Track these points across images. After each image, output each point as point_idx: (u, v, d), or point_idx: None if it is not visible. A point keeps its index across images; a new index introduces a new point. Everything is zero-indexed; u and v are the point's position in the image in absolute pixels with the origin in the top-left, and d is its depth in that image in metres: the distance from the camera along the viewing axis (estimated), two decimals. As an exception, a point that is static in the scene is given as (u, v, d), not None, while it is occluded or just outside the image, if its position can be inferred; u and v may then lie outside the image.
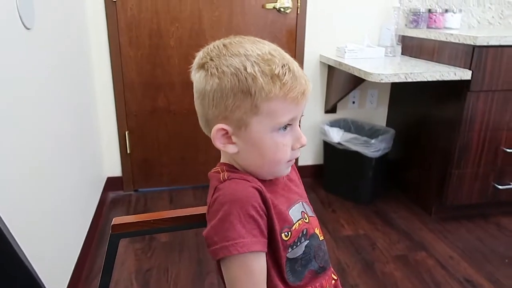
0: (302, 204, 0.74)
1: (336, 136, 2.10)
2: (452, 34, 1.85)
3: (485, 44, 1.70)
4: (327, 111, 2.37)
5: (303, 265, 0.69)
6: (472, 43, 1.72)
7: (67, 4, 1.63)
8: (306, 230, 0.70)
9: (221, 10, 2.06)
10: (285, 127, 0.64)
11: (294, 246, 0.68)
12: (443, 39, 1.90)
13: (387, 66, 1.96)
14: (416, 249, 1.77)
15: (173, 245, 1.77)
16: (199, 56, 0.66)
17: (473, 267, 1.65)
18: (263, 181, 0.68)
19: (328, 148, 2.19)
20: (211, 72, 0.62)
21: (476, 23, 2.37)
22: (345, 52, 2.07)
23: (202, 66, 0.64)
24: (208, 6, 2.04)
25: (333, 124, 2.25)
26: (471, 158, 1.89)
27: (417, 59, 2.10)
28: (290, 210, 0.70)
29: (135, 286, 1.52)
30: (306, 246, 0.69)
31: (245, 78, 0.60)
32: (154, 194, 2.25)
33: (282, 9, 2.10)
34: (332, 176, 2.26)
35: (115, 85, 2.08)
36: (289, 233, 0.67)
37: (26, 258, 0.60)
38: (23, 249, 0.59)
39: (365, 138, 2.03)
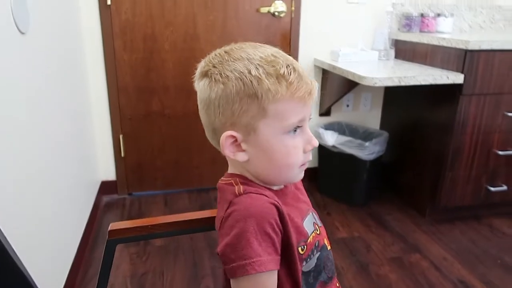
0: (312, 214, 0.73)
1: (331, 139, 2.11)
2: (444, 38, 1.87)
3: (476, 48, 1.73)
4: (321, 114, 2.38)
5: (314, 277, 0.68)
6: (464, 47, 1.74)
7: (61, 9, 1.63)
8: (318, 242, 0.70)
9: (215, 14, 2.06)
10: (294, 130, 0.62)
11: (308, 259, 0.67)
12: (435, 43, 1.93)
13: (380, 70, 1.98)
14: (411, 251, 1.78)
15: (168, 249, 1.77)
16: (201, 65, 0.66)
17: (467, 268, 1.67)
18: (274, 191, 0.67)
19: (323, 151, 2.20)
20: (215, 79, 0.61)
21: (467, 27, 2.40)
22: (339, 55, 2.08)
23: (205, 74, 0.63)
24: (202, 10, 2.05)
25: (327, 127, 2.26)
26: (464, 160, 1.91)
27: (410, 62, 2.12)
28: (304, 222, 0.68)
29: (130, 290, 1.52)
30: (317, 258, 0.69)
31: (250, 81, 0.59)
32: (149, 198, 2.25)
33: (276, 13, 2.11)
34: (327, 178, 2.27)
35: (109, 89, 2.07)
36: (305, 246, 0.66)
37: (21, 263, 0.60)
38: (17, 254, 0.59)
39: (359, 141, 2.05)
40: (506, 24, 2.47)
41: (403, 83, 1.73)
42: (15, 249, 0.59)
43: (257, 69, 0.59)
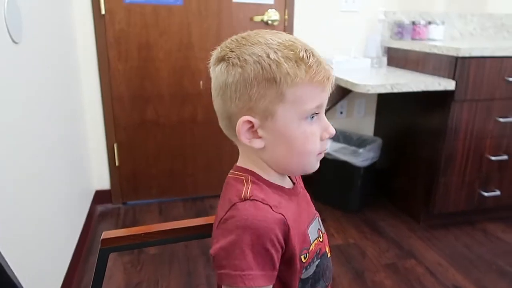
0: (318, 220, 0.72)
1: (325, 146, 2.11)
2: (436, 46, 1.89)
3: (467, 55, 1.75)
4: (315, 122, 2.39)
5: (312, 285, 0.67)
6: (455, 54, 1.77)
7: (55, 18, 1.63)
8: (320, 249, 0.69)
9: (209, 23, 2.08)
10: (312, 116, 0.61)
11: (308, 267, 0.66)
12: (427, 50, 1.95)
13: (373, 77, 2.00)
14: (406, 257, 1.78)
15: (163, 257, 1.76)
16: (217, 51, 0.64)
17: (461, 273, 1.67)
18: (286, 190, 0.66)
19: (317, 158, 2.20)
20: (232, 63, 0.59)
21: (458, 35, 2.44)
22: (332, 63, 2.10)
23: (222, 59, 0.61)
24: (196, 19, 2.06)
25: (321, 134, 2.27)
26: (457, 166, 1.93)
27: (403, 69, 2.14)
28: (309, 228, 0.68)
29: (125, 300, 1.51)
30: (317, 266, 0.67)
31: (269, 65, 0.58)
32: (143, 207, 2.24)
33: (269, 22, 2.13)
34: (321, 185, 2.27)
35: (103, 98, 2.07)
36: (307, 254, 0.65)
37: (13, 274, 0.59)
38: (10, 264, 0.59)
39: (353, 148, 2.06)
40: (496, 31, 2.50)
41: (395, 90, 1.74)
42: (6, 259, 0.59)
43: (276, 53, 0.58)
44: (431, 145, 1.96)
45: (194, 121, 2.19)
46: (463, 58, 1.76)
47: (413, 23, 2.25)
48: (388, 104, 2.36)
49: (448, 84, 1.78)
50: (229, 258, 0.57)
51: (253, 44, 0.59)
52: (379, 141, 2.18)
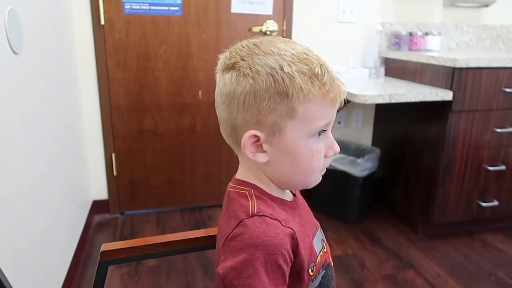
0: (320, 231, 0.71)
1: (323, 156, 2.12)
2: (433, 57, 1.91)
3: (464, 66, 1.77)
4: (313, 131, 2.39)
5: None
6: (452, 65, 1.78)
7: (55, 29, 1.64)
8: (325, 260, 0.68)
9: (208, 34, 2.09)
10: (319, 133, 0.60)
11: (315, 279, 0.64)
12: (424, 61, 1.97)
13: (371, 87, 2.01)
14: (405, 268, 1.78)
15: (161, 269, 1.74)
16: (226, 56, 0.61)
17: (461, 284, 1.67)
18: (288, 203, 0.65)
19: (316, 168, 2.20)
20: (244, 73, 0.57)
21: (455, 46, 2.46)
22: (330, 73, 2.11)
23: (232, 67, 0.58)
24: (196, 29, 2.07)
25: (320, 144, 2.27)
26: (455, 176, 1.93)
27: (400, 80, 2.15)
28: (314, 240, 0.67)
29: (122, 312, 1.49)
30: (322, 277, 0.66)
31: (282, 78, 0.55)
32: (141, 217, 2.22)
33: (268, 32, 2.14)
34: (320, 195, 2.27)
35: (102, 107, 2.07)
36: (314, 267, 0.64)
37: (10, 285, 0.58)
38: (6, 275, 0.58)
39: (351, 158, 2.06)
40: (492, 42, 2.53)
41: (393, 100, 1.75)
42: (3, 270, 0.58)
43: (290, 66, 0.56)
44: (429, 155, 1.96)
45: (193, 131, 2.19)
46: (460, 68, 1.77)
47: (410, 34, 2.27)
48: (386, 114, 2.38)
49: (446, 95, 1.79)
50: (241, 278, 0.54)
51: (265, 54, 0.57)
52: (377, 151, 2.19)
